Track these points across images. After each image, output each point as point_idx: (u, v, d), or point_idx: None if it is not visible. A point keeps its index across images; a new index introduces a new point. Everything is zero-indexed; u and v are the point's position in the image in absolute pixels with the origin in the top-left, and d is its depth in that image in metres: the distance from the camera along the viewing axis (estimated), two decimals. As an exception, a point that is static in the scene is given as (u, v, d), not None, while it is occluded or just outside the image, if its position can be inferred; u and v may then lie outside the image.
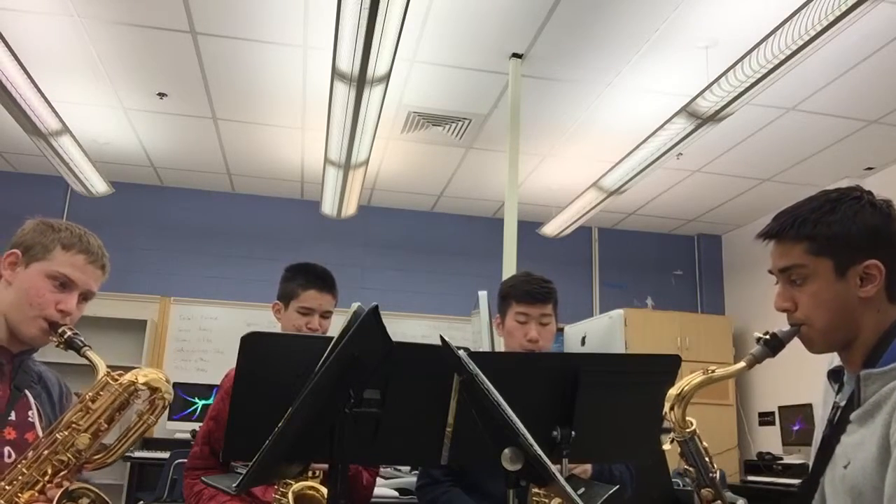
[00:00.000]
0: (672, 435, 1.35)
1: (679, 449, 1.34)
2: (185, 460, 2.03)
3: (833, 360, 1.36)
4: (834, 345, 1.29)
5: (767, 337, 1.30)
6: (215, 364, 5.92)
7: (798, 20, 3.00)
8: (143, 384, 1.42)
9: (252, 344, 1.28)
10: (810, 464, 1.34)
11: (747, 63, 3.31)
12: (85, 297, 1.58)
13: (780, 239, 1.30)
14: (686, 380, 1.34)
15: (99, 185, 5.29)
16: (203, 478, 1.79)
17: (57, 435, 1.38)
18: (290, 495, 1.67)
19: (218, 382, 2.11)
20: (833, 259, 1.24)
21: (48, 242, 1.53)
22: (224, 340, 5.97)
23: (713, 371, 1.33)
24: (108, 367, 1.59)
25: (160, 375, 1.44)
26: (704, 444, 1.35)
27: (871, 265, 1.23)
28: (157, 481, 3.70)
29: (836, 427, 1.27)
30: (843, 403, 1.28)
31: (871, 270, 1.23)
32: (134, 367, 1.49)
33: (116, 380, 1.42)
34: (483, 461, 1.94)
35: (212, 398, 4.59)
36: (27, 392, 1.54)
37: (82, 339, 1.48)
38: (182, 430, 5.43)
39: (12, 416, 1.49)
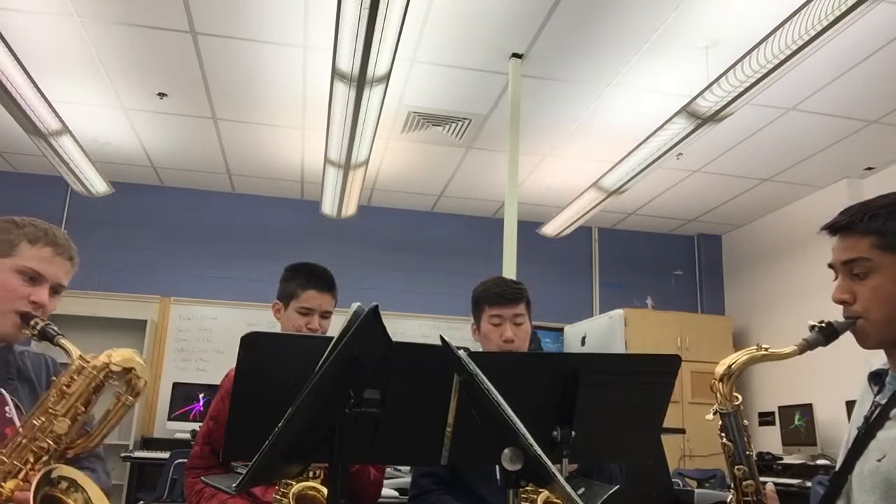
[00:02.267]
0: (716, 407, 1.35)
1: (720, 422, 1.34)
2: (186, 460, 2.03)
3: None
4: (887, 340, 1.30)
5: (823, 325, 1.31)
6: (215, 364, 5.92)
7: (798, 20, 3.01)
8: (117, 364, 1.41)
9: (252, 344, 1.28)
10: (839, 461, 1.35)
11: (747, 63, 3.31)
12: (55, 290, 1.57)
13: (847, 231, 1.32)
14: (735, 355, 1.35)
15: (99, 185, 5.29)
16: (203, 478, 1.79)
17: (34, 421, 1.37)
18: (290, 496, 1.67)
19: (218, 382, 2.11)
20: None
21: (13, 238, 1.53)
22: (224, 340, 5.97)
23: (766, 349, 1.33)
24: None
25: (133, 354, 1.44)
26: (745, 421, 1.35)
27: None
28: (157, 481, 3.70)
29: (874, 423, 1.29)
30: (883, 402, 1.30)
31: None
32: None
33: (89, 362, 1.41)
34: (475, 466, 1.95)
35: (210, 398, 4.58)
36: (2, 389, 1.53)
37: (55, 328, 1.47)
38: (182, 430, 5.43)
39: None
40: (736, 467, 1.32)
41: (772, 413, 5.93)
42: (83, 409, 1.40)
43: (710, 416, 1.38)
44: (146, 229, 6.15)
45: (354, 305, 1.19)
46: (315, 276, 2.09)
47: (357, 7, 2.92)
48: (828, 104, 4.41)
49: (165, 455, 3.86)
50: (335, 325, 1.41)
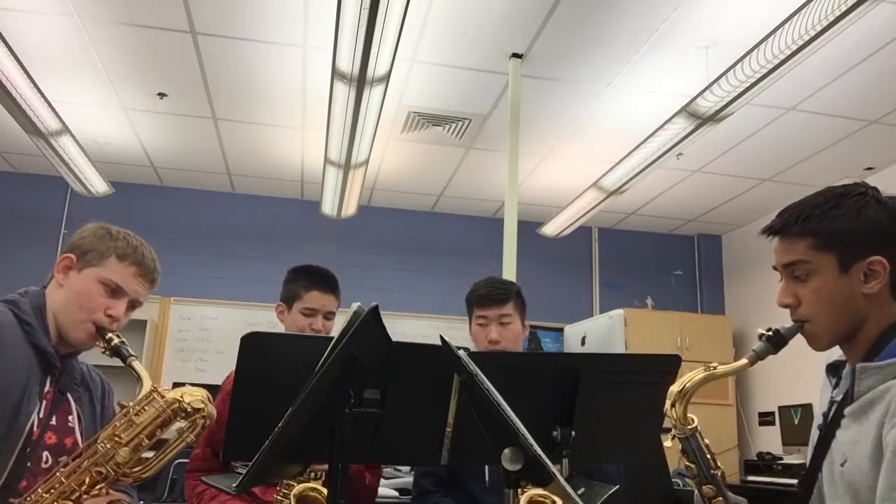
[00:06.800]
0: (673, 432, 1.35)
1: (680, 446, 1.34)
2: (186, 460, 2.03)
3: (831, 354, 1.35)
4: (837, 341, 1.28)
5: (770, 333, 1.30)
6: (215, 364, 5.92)
7: (798, 20, 3.00)
8: (188, 403, 1.43)
9: (252, 344, 1.28)
10: (807, 459, 1.34)
11: (747, 63, 3.31)
12: (132, 305, 1.59)
13: (784, 234, 1.30)
14: (688, 376, 1.34)
15: (99, 185, 5.29)
16: (203, 478, 1.79)
17: (98, 446, 1.38)
18: (291, 496, 1.67)
19: (218, 382, 2.11)
20: (837, 255, 1.24)
21: (104, 250, 1.56)
22: (224, 340, 5.97)
23: (715, 367, 1.33)
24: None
25: (203, 395, 1.45)
26: (706, 441, 1.34)
27: (875, 261, 1.23)
28: (157, 481, 3.69)
29: (832, 422, 1.26)
30: (839, 398, 1.28)
31: (875, 267, 1.23)
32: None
33: (163, 396, 1.42)
34: (466, 466, 1.95)
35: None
36: (69, 396, 1.55)
37: (129, 348, 1.49)
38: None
39: (53, 421, 1.49)
40: (703, 487, 1.32)
41: (772, 413, 5.93)
42: (147, 441, 1.41)
43: (668, 444, 1.38)
44: (146, 229, 6.02)
45: (354, 305, 1.19)
46: (318, 277, 2.09)
47: (357, 7, 2.92)
48: (828, 104, 4.40)
49: (165, 455, 3.86)
50: (336, 326, 1.41)
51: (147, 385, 1.44)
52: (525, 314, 2.17)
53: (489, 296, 2.09)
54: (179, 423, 1.44)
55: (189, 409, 1.42)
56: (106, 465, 1.37)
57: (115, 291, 1.54)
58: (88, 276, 1.53)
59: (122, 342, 1.49)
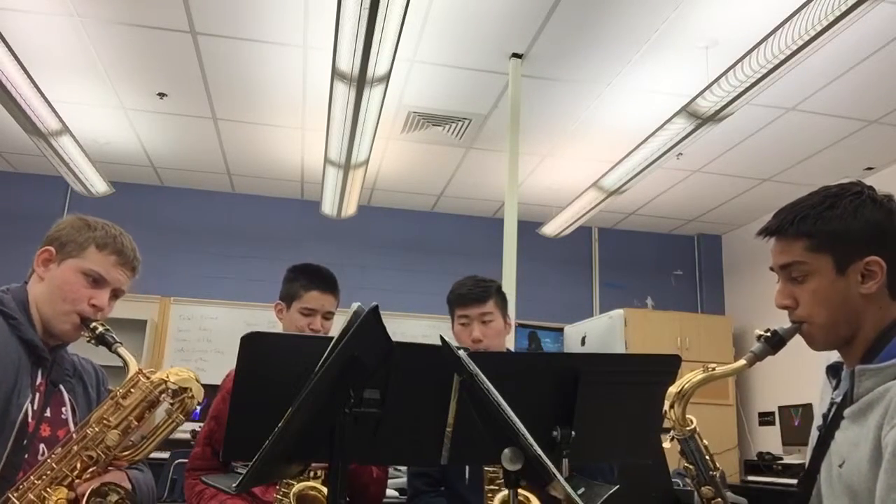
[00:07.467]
0: (672, 433, 1.35)
1: (679, 447, 1.34)
2: (185, 460, 2.03)
3: (831, 355, 1.35)
4: (835, 342, 1.28)
5: (768, 334, 1.29)
6: (215, 364, 5.91)
7: (798, 20, 3.01)
8: (174, 383, 1.43)
9: (252, 344, 1.28)
10: (807, 460, 1.34)
11: (747, 63, 3.31)
12: (115, 294, 1.59)
13: (779, 235, 1.29)
14: (686, 377, 1.34)
15: (99, 185, 5.29)
16: (203, 478, 1.79)
17: (87, 430, 1.38)
18: (291, 496, 1.67)
19: (218, 382, 2.12)
20: (833, 256, 1.23)
21: (83, 241, 1.55)
22: (224, 340, 5.97)
23: (713, 369, 1.32)
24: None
25: (191, 375, 1.46)
26: (705, 442, 1.34)
27: (872, 261, 1.22)
28: (157, 481, 3.69)
29: (831, 423, 1.26)
30: (838, 400, 1.27)
31: (872, 267, 1.22)
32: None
33: (148, 377, 1.43)
34: (452, 466, 1.95)
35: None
36: (61, 387, 1.55)
37: (114, 335, 1.50)
38: (182, 430, 5.41)
39: (47, 413, 1.50)
40: (703, 488, 1.32)
41: (772, 413, 5.94)
42: (136, 423, 1.41)
43: (667, 444, 1.38)
44: (146, 229, 6.09)
45: (354, 305, 1.19)
46: (318, 276, 2.09)
47: (357, 7, 2.92)
48: (828, 104, 4.41)
49: (165, 455, 3.85)
50: (336, 326, 1.41)
51: (133, 368, 1.44)
52: (506, 311, 2.17)
53: (469, 295, 2.09)
54: (168, 405, 1.44)
55: (176, 389, 1.42)
56: (96, 449, 1.37)
57: (97, 281, 1.54)
58: (69, 267, 1.53)
59: (107, 329, 1.50)
